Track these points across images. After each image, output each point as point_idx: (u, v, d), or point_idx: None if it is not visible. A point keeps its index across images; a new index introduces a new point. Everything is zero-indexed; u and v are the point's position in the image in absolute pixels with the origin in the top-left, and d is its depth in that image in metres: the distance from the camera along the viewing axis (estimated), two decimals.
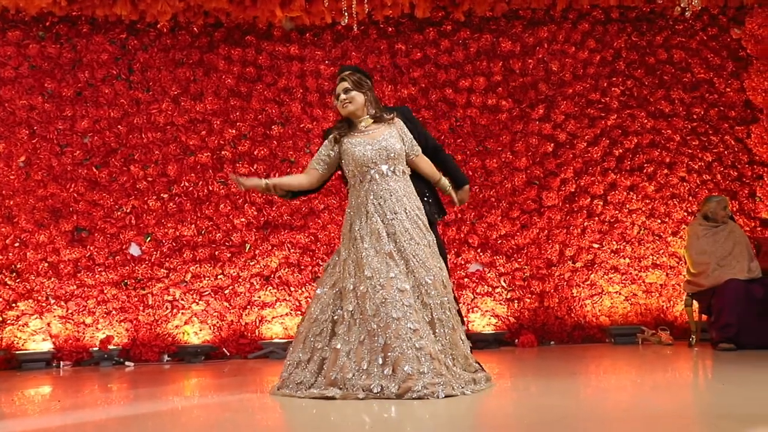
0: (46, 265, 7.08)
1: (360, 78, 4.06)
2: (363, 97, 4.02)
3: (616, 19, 7.92)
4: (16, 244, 7.07)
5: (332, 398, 3.58)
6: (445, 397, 3.43)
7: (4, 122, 7.19)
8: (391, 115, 4.08)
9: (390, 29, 7.78)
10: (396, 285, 3.70)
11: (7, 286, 6.97)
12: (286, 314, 7.30)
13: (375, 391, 3.52)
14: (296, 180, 4.20)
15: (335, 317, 3.89)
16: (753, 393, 3.52)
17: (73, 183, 7.20)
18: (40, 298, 7.02)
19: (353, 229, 3.94)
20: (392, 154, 3.93)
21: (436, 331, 3.74)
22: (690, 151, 7.82)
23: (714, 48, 7.95)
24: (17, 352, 6.82)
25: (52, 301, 7.04)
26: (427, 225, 4.00)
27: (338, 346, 3.76)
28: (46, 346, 6.94)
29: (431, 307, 3.75)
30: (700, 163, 7.81)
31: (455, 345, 3.79)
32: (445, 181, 4.27)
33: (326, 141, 4.12)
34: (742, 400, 3.26)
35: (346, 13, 6.62)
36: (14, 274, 7.03)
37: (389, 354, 3.58)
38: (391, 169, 3.94)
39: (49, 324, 6.99)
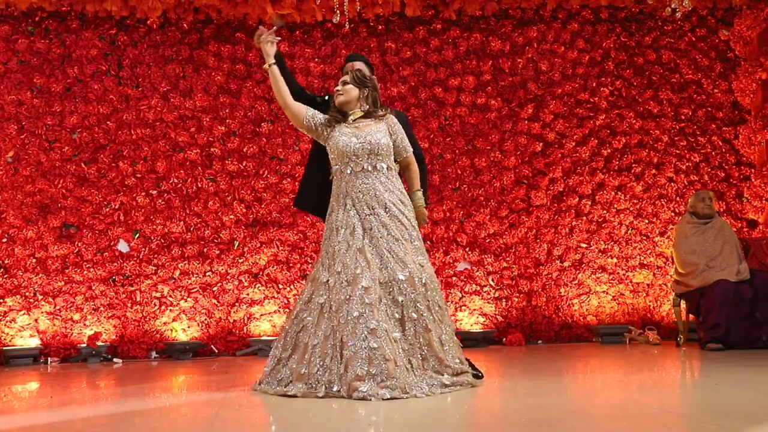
0: (34, 261, 7.05)
1: (364, 77, 4.10)
2: (357, 92, 4.05)
3: (606, 19, 7.95)
4: (4, 240, 7.05)
5: (294, 396, 3.59)
6: (390, 399, 3.40)
7: None
8: (384, 111, 4.09)
9: (380, 27, 7.79)
10: (361, 282, 3.68)
11: None
12: (275, 312, 7.30)
13: (335, 389, 3.55)
14: (286, 93, 4.07)
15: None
16: (741, 392, 3.54)
17: (61, 179, 7.18)
18: (27, 294, 6.99)
19: (331, 218, 3.98)
20: (376, 149, 3.92)
21: (406, 329, 3.71)
22: (678, 151, 7.86)
23: (702, 49, 8.00)
24: (4, 347, 6.78)
25: (40, 297, 7.01)
26: (415, 222, 3.98)
27: (306, 340, 3.78)
28: (34, 342, 6.91)
29: (402, 304, 3.71)
30: (687, 164, 7.86)
31: (429, 345, 3.73)
32: (420, 194, 4.18)
33: (329, 111, 4.12)
34: (730, 399, 3.28)
35: (337, 11, 6.62)
36: (2, 269, 7.00)
37: (344, 352, 3.59)
38: (372, 164, 3.94)
39: (36, 320, 6.97)
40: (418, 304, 3.73)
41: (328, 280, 3.82)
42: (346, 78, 4.08)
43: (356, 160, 3.93)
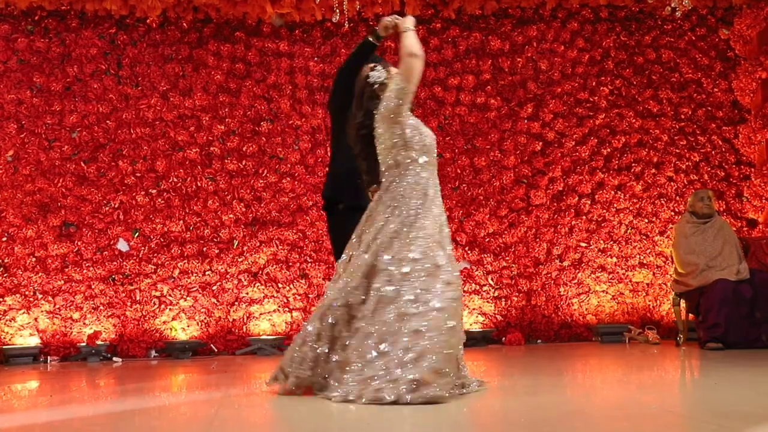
0: (34, 260, 7.06)
1: None
2: None
3: (606, 18, 7.95)
4: (4, 239, 7.05)
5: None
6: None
7: None
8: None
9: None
10: (441, 275, 3.49)
11: None
12: (274, 311, 7.30)
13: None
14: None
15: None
16: (740, 392, 3.55)
17: (61, 178, 7.18)
18: (27, 293, 6.99)
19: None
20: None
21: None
22: (677, 150, 7.86)
23: (702, 48, 7.99)
24: (4, 346, 6.79)
25: (40, 296, 7.01)
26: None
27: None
28: (34, 341, 6.91)
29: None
30: (687, 163, 7.85)
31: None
32: None
33: None
34: (729, 399, 3.29)
35: (337, 11, 6.63)
36: (2, 268, 7.00)
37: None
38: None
39: (36, 319, 6.97)
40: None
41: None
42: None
43: (433, 153, 3.68)
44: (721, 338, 6.08)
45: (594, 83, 7.86)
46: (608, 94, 7.86)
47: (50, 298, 7.02)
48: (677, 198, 7.76)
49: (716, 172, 7.86)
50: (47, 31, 7.35)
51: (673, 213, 7.73)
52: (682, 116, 7.90)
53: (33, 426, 3.19)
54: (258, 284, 7.33)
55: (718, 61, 7.98)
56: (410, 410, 3.08)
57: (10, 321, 6.92)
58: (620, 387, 3.97)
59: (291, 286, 7.35)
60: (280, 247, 7.40)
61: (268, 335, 7.23)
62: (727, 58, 7.98)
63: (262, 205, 7.43)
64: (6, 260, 7.02)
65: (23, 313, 6.96)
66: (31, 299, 6.99)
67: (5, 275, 6.99)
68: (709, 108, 7.93)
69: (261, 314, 7.31)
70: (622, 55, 7.93)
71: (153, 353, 7.08)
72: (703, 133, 7.91)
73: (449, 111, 7.77)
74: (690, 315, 6.72)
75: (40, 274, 7.03)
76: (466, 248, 7.59)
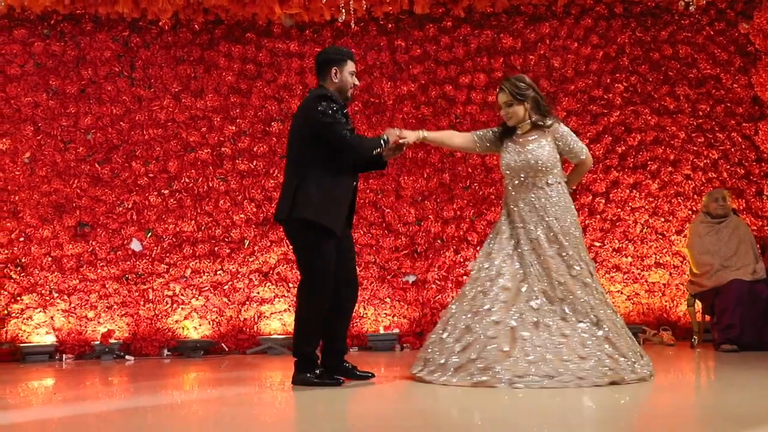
0: (50, 259, 7.19)
1: (519, 90, 4.34)
2: (522, 107, 4.34)
3: (620, 14, 7.81)
4: (21, 239, 7.19)
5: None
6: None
7: (9, 119, 7.31)
8: (552, 121, 4.37)
9: (390, 25, 7.76)
10: (499, 281, 4.26)
11: (12, 280, 7.10)
12: (285, 310, 7.34)
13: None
14: (453, 139, 4.65)
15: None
16: (753, 394, 3.51)
17: (76, 179, 7.30)
18: (43, 291, 7.13)
19: (497, 223, 4.52)
20: (535, 167, 4.29)
21: (541, 331, 4.17)
22: (695, 148, 7.69)
23: (721, 43, 7.80)
24: (21, 344, 6.95)
25: (56, 295, 7.15)
26: (571, 233, 4.29)
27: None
28: (50, 339, 7.05)
29: (537, 310, 4.15)
30: (705, 161, 7.67)
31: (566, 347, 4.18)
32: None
33: (497, 128, 4.57)
34: (743, 401, 3.26)
35: (343, 10, 6.65)
36: (19, 268, 7.15)
37: (466, 337, 4.19)
38: (532, 181, 4.32)
39: (52, 317, 7.11)
40: (554, 314, 4.08)
41: (478, 276, 4.28)
42: (506, 98, 4.35)
43: (517, 177, 4.32)
44: (736, 339, 5.98)
45: (608, 80, 7.73)
46: (623, 91, 7.73)
47: (66, 297, 7.15)
48: (695, 196, 7.59)
49: (736, 169, 7.67)
50: (63, 35, 7.48)
51: (690, 212, 7.57)
52: (700, 113, 7.73)
53: (49, 421, 3.29)
54: (269, 284, 7.38)
55: (738, 56, 7.78)
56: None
57: (27, 319, 7.06)
58: (632, 388, 3.91)
59: None
60: (290, 246, 7.41)
61: (278, 335, 7.27)
62: (747, 53, 7.78)
63: (273, 205, 7.45)
64: (23, 260, 7.17)
65: (39, 311, 7.09)
66: (47, 298, 7.13)
67: (22, 274, 7.14)
68: (729, 104, 7.74)
69: (272, 314, 7.35)
70: (637, 52, 7.78)
71: (165, 352, 7.17)
72: (722, 130, 7.72)
73: (460, 110, 7.71)
74: (706, 316, 6.59)
75: (55, 273, 7.16)
76: (478, 248, 7.52)
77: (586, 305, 4.11)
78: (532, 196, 4.29)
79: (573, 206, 4.40)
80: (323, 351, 4.52)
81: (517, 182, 4.35)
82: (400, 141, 4.33)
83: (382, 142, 4.31)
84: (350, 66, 4.39)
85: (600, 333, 4.06)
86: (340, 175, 4.32)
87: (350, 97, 4.47)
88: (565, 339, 3.98)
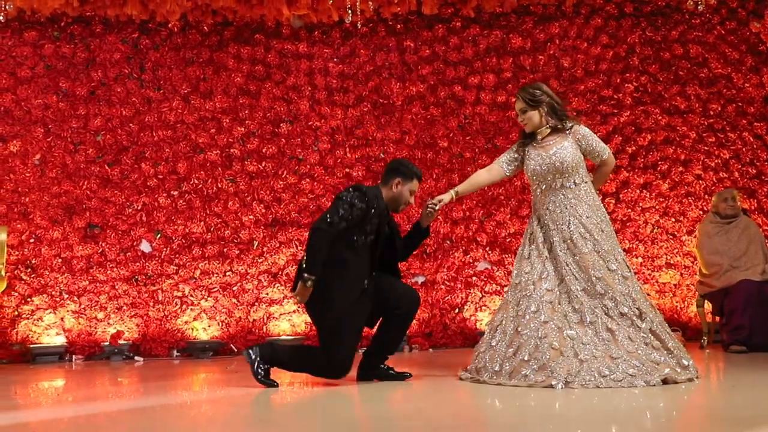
0: (60, 260, 7.21)
1: (534, 96, 4.37)
2: (537, 113, 4.35)
3: (630, 13, 7.78)
4: (32, 240, 7.22)
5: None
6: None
7: (20, 121, 7.34)
8: (571, 123, 4.38)
9: (398, 26, 7.75)
10: (543, 285, 4.26)
11: (23, 281, 7.13)
12: (294, 311, 7.34)
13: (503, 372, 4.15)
14: (480, 180, 4.68)
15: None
16: (761, 395, 3.49)
17: (86, 180, 7.33)
18: (54, 293, 7.15)
19: (528, 230, 4.51)
20: (560, 169, 4.27)
21: (586, 329, 4.13)
22: (706, 148, 7.64)
23: (732, 42, 7.76)
24: (32, 345, 6.97)
25: (66, 296, 7.17)
26: (603, 232, 4.26)
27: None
28: (60, 341, 7.07)
29: (581, 310, 4.11)
30: (716, 161, 7.63)
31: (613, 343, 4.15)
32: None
33: (516, 144, 4.57)
34: (750, 402, 3.24)
35: (350, 11, 6.64)
36: (29, 269, 7.18)
37: (516, 339, 4.21)
38: (560, 182, 4.29)
39: (62, 319, 7.13)
40: (596, 309, 4.05)
41: (519, 282, 4.30)
42: (521, 105, 4.40)
43: (544, 180, 4.33)
44: (745, 340, 5.92)
45: (618, 80, 7.70)
46: (633, 91, 7.69)
47: (76, 298, 7.17)
48: (706, 197, 7.55)
49: (747, 169, 7.62)
50: (73, 37, 7.52)
51: (701, 212, 7.52)
52: (711, 113, 7.68)
53: (59, 420, 3.30)
54: (278, 285, 7.38)
55: (749, 55, 7.73)
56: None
57: (38, 320, 7.08)
58: (641, 389, 3.88)
59: None
60: (299, 247, 7.43)
61: (287, 335, 7.27)
62: (759, 52, 7.73)
63: (282, 206, 7.48)
64: (33, 261, 7.19)
65: (50, 312, 7.12)
66: (58, 299, 7.15)
67: (33, 276, 7.17)
68: (740, 104, 7.69)
69: (281, 314, 7.35)
70: (647, 51, 7.75)
71: (174, 353, 7.18)
72: (733, 129, 7.67)
73: (469, 110, 7.70)
74: (716, 317, 6.55)
75: (66, 274, 7.19)
76: (487, 248, 7.51)
77: (628, 298, 4.10)
78: (561, 196, 4.28)
79: (602, 204, 4.39)
80: (370, 349, 4.53)
81: (544, 186, 4.35)
82: (436, 207, 4.47)
83: (312, 276, 4.32)
84: (414, 185, 4.46)
85: (644, 325, 4.06)
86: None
87: (399, 211, 4.52)
88: (611, 334, 3.98)
